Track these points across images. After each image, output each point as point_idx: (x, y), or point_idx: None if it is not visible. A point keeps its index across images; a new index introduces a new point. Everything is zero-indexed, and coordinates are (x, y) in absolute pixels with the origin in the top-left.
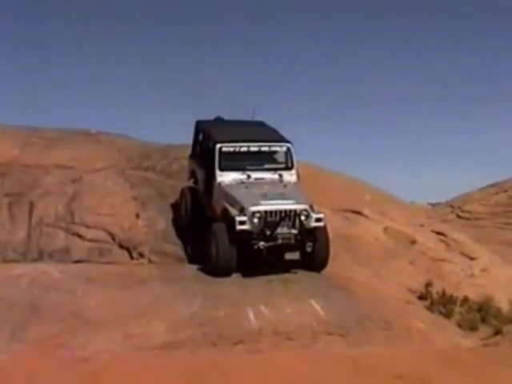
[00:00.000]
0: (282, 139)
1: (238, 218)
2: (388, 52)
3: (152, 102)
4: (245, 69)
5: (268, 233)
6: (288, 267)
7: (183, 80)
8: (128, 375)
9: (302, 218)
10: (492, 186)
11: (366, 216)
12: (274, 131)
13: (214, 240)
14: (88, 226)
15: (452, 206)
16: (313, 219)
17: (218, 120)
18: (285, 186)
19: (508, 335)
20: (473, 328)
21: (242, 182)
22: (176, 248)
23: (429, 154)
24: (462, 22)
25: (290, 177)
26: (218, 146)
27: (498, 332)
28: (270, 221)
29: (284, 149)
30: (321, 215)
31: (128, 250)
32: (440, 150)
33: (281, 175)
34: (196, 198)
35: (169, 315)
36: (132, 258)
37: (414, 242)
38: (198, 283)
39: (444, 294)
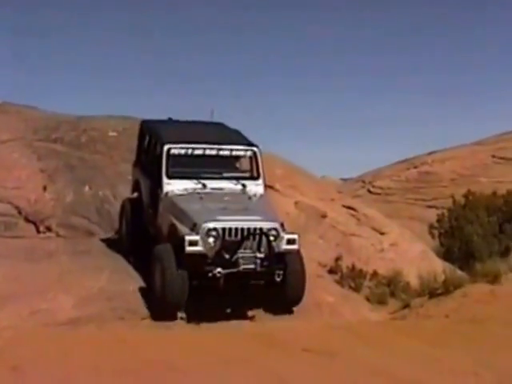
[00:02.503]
0: (246, 142)
1: (188, 238)
2: (297, 22)
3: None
4: None
5: (226, 256)
6: (252, 302)
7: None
8: (33, 352)
9: (271, 238)
10: (403, 161)
11: (277, 190)
12: (237, 133)
13: (157, 267)
14: None
15: (363, 182)
16: (284, 241)
17: (169, 121)
18: (249, 198)
19: (415, 309)
20: (381, 302)
21: (196, 193)
22: (84, 221)
23: (341, 129)
24: None
25: (255, 188)
26: (166, 147)
27: (406, 306)
28: (230, 241)
29: (249, 153)
30: (294, 236)
31: (35, 223)
32: (352, 125)
33: (244, 185)
34: (138, 213)
35: (76, 289)
36: (39, 231)
37: (324, 217)
38: (107, 257)
39: (354, 268)
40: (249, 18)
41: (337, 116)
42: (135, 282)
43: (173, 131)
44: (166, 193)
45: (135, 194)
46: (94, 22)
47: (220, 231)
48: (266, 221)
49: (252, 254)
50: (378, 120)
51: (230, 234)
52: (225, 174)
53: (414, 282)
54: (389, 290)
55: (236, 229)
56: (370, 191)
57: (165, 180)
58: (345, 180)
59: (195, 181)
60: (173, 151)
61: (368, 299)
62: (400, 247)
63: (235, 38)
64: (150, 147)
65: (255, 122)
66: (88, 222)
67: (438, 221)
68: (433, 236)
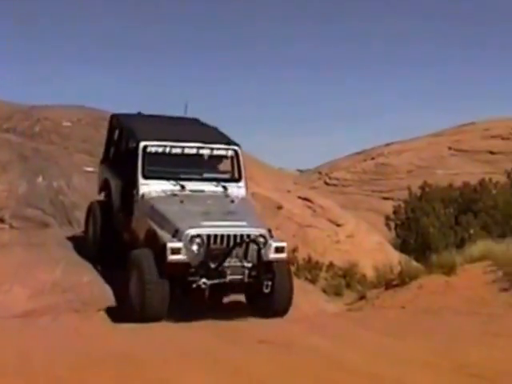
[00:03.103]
0: (227, 140)
1: (170, 245)
2: (252, 15)
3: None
4: None
5: (212, 266)
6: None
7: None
8: None
9: (260, 246)
10: (359, 153)
11: None
12: (216, 130)
13: (134, 273)
14: None
15: (320, 173)
16: (272, 249)
17: (142, 116)
18: (232, 201)
19: (372, 300)
20: (338, 293)
21: (175, 195)
22: (38, 213)
23: (298, 121)
24: None
25: (237, 190)
26: (142, 144)
27: (362, 297)
28: (215, 249)
29: (230, 153)
30: (283, 244)
31: None
32: (309, 117)
33: (225, 188)
34: (108, 216)
35: (31, 282)
36: None
37: (280, 208)
38: (61, 249)
39: (310, 259)
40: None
41: (295, 108)
42: (90, 273)
43: (148, 127)
44: (143, 195)
45: (103, 196)
46: (43, 9)
47: (205, 238)
48: (253, 227)
49: (239, 264)
50: (336, 112)
51: (215, 242)
52: (205, 175)
53: (370, 273)
54: (345, 281)
55: (222, 236)
56: (326, 183)
57: (141, 180)
58: (302, 171)
59: (173, 182)
60: (149, 149)
61: (324, 291)
62: (356, 239)
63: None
64: (122, 144)
65: (211, 113)
66: (42, 213)
67: (395, 212)
68: (389, 228)
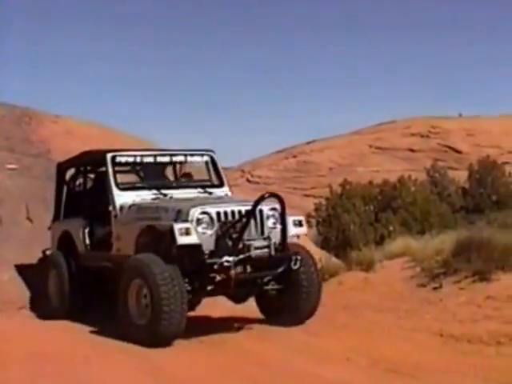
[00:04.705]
0: (198, 149)
1: (177, 226)
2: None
3: None
4: None
5: (230, 243)
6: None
7: None
8: None
9: (271, 221)
10: (281, 151)
11: None
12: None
13: (134, 281)
14: None
15: (242, 171)
16: (290, 223)
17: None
18: (220, 198)
19: None
20: None
21: (159, 198)
22: None
23: (220, 119)
24: None
25: (223, 194)
26: (110, 155)
27: None
28: (228, 226)
29: (205, 159)
30: (300, 217)
31: None
32: (232, 115)
33: (210, 193)
34: (75, 255)
35: None
36: None
37: None
38: None
39: None
40: None
41: (218, 106)
42: (10, 270)
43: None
44: (121, 206)
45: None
46: None
47: (214, 215)
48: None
49: (261, 237)
50: (258, 110)
51: (226, 217)
52: (183, 183)
53: None
54: None
55: (233, 211)
56: (249, 180)
57: (115, 192)
58: (225, 169)
59: (151, 191)
60: (118, 159)
61: None
62: None
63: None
64: (79, 175)
65: (139, 116)
66: None
67: (316, 209)
68: (310, 225)
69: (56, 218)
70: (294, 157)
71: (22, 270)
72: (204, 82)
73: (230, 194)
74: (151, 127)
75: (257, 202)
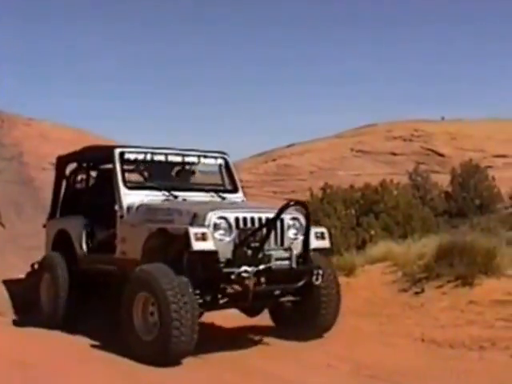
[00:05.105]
0: (213, 150)
1: (193, 230)
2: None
3: None
4: None
5: (249, 253)
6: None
7: None
8: None
9: (292, 232)
10: (261, 155)
11: None
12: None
13: (140, 293)
14: None
15: None
16: (312, 235)
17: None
18: (236, 203)
19: None
20: None
21: (170, 200)
22: None
23: (199, 121)
24: None
25: (236, 200)
26: (118, 151)
27: None
28: (248, 234)
29: (219, 161)
30: (322, 229)
31: None
32: (209, 117)
33: (223, 198)
34: (72, 257)
35: None
36: None
37: None
38: None
39: None
40: None
41: (196, 107)
42: None
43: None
44: (128, 207)
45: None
46: None
47: (232, 221)
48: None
49: (282, 248)
50: (237, 113)
51: (245, 225)
52: (194, 186)
53: None
54: None
55: (252, 218)
56: None
57: (123, 191)
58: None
59: (161, 192)
60: (127, 156)
61: None
62: None
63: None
64: (81, 173)
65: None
66: None
67: None
68: None
69: (52, 215)
70: (274, 160)
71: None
72: (183, 83)
73: (244, 200)
74: (129, 130)
75: (281, 210)
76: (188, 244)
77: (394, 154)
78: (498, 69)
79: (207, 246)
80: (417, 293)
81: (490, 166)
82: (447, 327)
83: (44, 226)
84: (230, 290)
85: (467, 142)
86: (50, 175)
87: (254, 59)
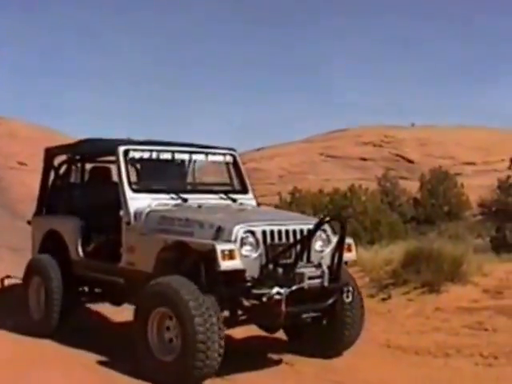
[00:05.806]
0: (220, 146)
1: (220, 247)
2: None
3: None
4: None
5: (280, 271)
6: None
7: None
8: None
9: (319, 244)
10: None
11: None
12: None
13: (155, 314)
14: None
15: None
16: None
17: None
18: (257, 210)
19: None
20: None
21: (181, 205)
22: None
23: (170, 125)
24: None
25: (247, 202)
26: (123, 149)
27: None
28: (277, 250)
29: (228, 158)
30: (350, 240)
31: None
32: (176, 119)
33: (235, 200)
34: (66, 264)
35: None
36: None
37: None
38: None
39: None
40: None
41: (168, 111)
42: None
43: (114, 139)
44: (136, 213)
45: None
46: None
47: (259, 236)
48: (308, 221)
49: (313, 266)
50: (202, 115)
51: (272, 239)
52: (205, 187)
53: None
54: None
55: (279, 231)
56: None
57: (129, 194)
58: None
59: (169, 195)
60: (132, 154)
61: None
62: None
63: None
64: (74, 167)
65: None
66: None
67: None
68: None
69: (39, 211)
70: (243, 164)
71: None
72: (148, 83)
73: (255, 202)
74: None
75: (318, 225)
76: (214, 262)
77: (364, 160)
78: (471, 76)
79: (235, 264)
80: (383, 299)
81: (459, 173)
82: (413, 334)
83: (28, 223)
84: (246, 303)
85: (437, 148)
86: (19, 174)
87: (224, 64)
